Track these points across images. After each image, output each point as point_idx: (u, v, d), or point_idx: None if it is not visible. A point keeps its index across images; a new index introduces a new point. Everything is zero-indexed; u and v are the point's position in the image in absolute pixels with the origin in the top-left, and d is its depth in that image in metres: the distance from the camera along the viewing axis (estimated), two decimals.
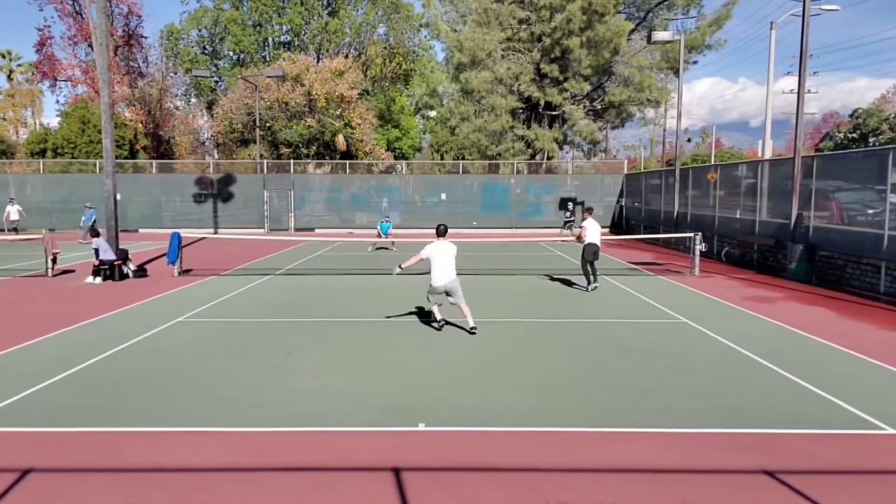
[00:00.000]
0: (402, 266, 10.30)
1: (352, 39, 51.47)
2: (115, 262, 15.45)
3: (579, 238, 14.71)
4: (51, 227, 31.12)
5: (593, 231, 14.35)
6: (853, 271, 14.10)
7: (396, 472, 5.08)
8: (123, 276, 15.51)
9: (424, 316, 11.28)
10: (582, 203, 29.79)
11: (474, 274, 16.58)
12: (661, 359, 8.44)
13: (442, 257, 9.75)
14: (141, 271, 16.09)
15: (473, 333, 9.61)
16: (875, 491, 4.87)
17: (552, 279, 16.17)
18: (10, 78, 59.11)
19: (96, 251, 15.22)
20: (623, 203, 33.50)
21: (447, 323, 10.15)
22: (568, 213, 30.53)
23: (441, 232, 10.15)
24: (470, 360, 8.38)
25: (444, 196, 34.51)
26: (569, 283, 15.34)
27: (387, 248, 23.44)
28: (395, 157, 46.88)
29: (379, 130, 46.63)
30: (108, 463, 5.25)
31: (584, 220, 14.91)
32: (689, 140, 67.50)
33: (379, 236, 24.27)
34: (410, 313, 11.54)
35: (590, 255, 14.09)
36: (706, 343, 9.37)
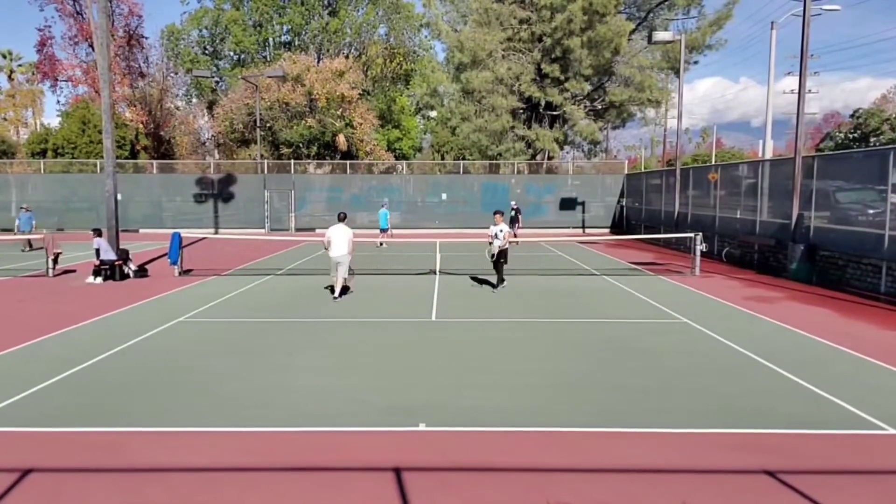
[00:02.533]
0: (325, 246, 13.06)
1: (352, 39, 51.46)
2: (116, 262, 15.47)
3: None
4: (59, 228, 31.21)
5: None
6: (854, 271, 14.10)
7: (397, 471, 5.09)
8: (124, 276, 15.52)
9: (426, 316, 11.30)
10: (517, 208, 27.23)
11: (474, 273, 16.58)
12: (662, 359, 8.44)
13: (336, 236, 12.72)
14: (142, 271, 16.10)
15: (336, 300, 12.57)
16: (875, 491, 4.87)
17: (553, 279, 16.17)
18: (10, 78, 59.12)
19: (97, 251, 15.23)
20: (624, 203, 33.50)
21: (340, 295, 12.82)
22: (513, 213, 27.16)
23: (340, 218, 13.20)
24: (470, 361, 8.38)
25: (444, 196, 34.52)
26: (569, 283, 15.34)
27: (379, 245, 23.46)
28: (396, 158, 46.88)
29: (379, 130, 46.63)
30: (109, 463, 5.26)
31: (496, 223, 14.21)
32: (689, 140, 67.56)
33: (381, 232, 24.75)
34: (411, 313, 11.55)
35: (504, 256, 14.25)
36: (706, 343, 9.37)
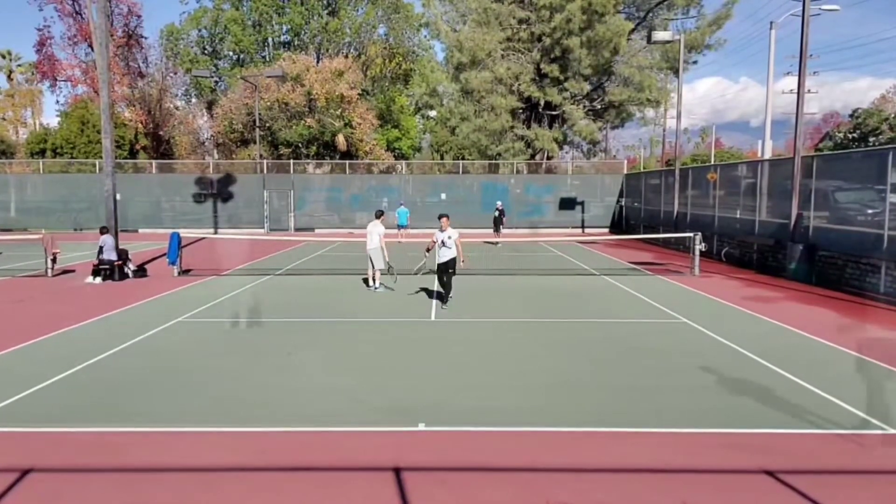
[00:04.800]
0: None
1: (352, 39, 51.47)
2: (116, 263, 15.44)
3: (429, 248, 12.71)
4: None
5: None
6: (853, 271, 14.10)
7: (397, 471, 5.09)
8: (123, 276, 15.50)
9: (424, 316, 11.30)
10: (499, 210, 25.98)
11: (474, 274, 16.58)
12: (661, 359, 8.44)
13: (371, 231, 14.09)
14: (141, 271, 16.09)
15: (375, 289, 13.82)
16: (875, 491, 4.88)
17: (552, 279, 16.17)
18: (9, 78, 59.04)
19: (101, 248, 15.22)
20: (623, 203, 33.51)
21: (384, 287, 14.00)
22: (497, 213, 25.84)
23: (376, 215, 14.48)
24: (470, 360, 8.38)
25: (443, 196, 34.50)
26: (568, 283, 15.35)
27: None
28: (395, 157, 46.88)
29: (379, 130, 46.62)
30: (109, 463, 5.25)
31: (443, 228, 12.36)
32: (689, 140, 67.60)
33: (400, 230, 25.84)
34: (411, 313, 11.55)
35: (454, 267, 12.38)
36: (706, 343, 9.37)
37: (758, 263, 18.23)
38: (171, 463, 5.26)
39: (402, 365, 8.18)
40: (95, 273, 15.14)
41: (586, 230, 33.01)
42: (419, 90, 47.11)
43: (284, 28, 51.79)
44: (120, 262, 15.58)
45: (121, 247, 16.81)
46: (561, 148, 38.83)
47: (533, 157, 37.17)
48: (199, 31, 52.60)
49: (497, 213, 25.89)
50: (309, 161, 40.81)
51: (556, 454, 5.46)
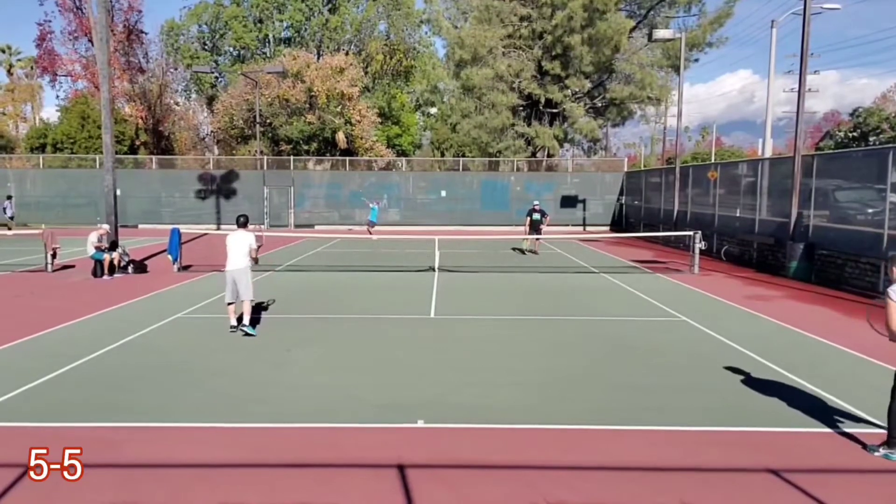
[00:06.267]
0: None
1: (352, 36, 51.41)
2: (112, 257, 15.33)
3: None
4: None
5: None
6: (852, 270, 14.10)
7: (395, 468, 5.09)
8: (113, 270, 15.22)
9: (425, 313, 11.30)
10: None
11: (474, 272, 16.58)
12: (660, 357, 8.44)
13: (237, 246, 9.53)
14: (141, 267, 16.07)
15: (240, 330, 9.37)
16: (875, 490, 4.88)
17: (552, 277, 16.17)
18: (9, 73, 58.96)
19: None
20: (623, 201, 33.50)
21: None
22: (538, 216, 20.98)
23: (238, 223, 9.89)
24: (469, 357, 8.38)
25: (443, 193, 34.49)
26: (569, 281, 15.35)
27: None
28: (396, 154, 46.84)
29: (379, 127, 46.56)
30: (107, 458, 5.25)
31: None
32: (689, 139, 67.55)
33: (370, 227, 26.86)
34: (410, 310, 11.55)
35: None
36: (705, 341, 9.37)
37: (757, 262, 18.23)
38: (168, 459, 5.26)
39: (401, 361, 8.18)
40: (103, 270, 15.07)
41: (587, 228, 33.00)
42: (420, 87, 47.11)
43: (285, 24, 51.74)
44: (119, 258, 15.48)
45: (113, 241, 16.65)
46: (561, 145, 38.82)
47: (533, 154, 37.14)
48: (200, 26, 52.58)
49: (538, 215, 20.98)
50: (309, 157, 40.77)
51: (555, 451, 5.46)
